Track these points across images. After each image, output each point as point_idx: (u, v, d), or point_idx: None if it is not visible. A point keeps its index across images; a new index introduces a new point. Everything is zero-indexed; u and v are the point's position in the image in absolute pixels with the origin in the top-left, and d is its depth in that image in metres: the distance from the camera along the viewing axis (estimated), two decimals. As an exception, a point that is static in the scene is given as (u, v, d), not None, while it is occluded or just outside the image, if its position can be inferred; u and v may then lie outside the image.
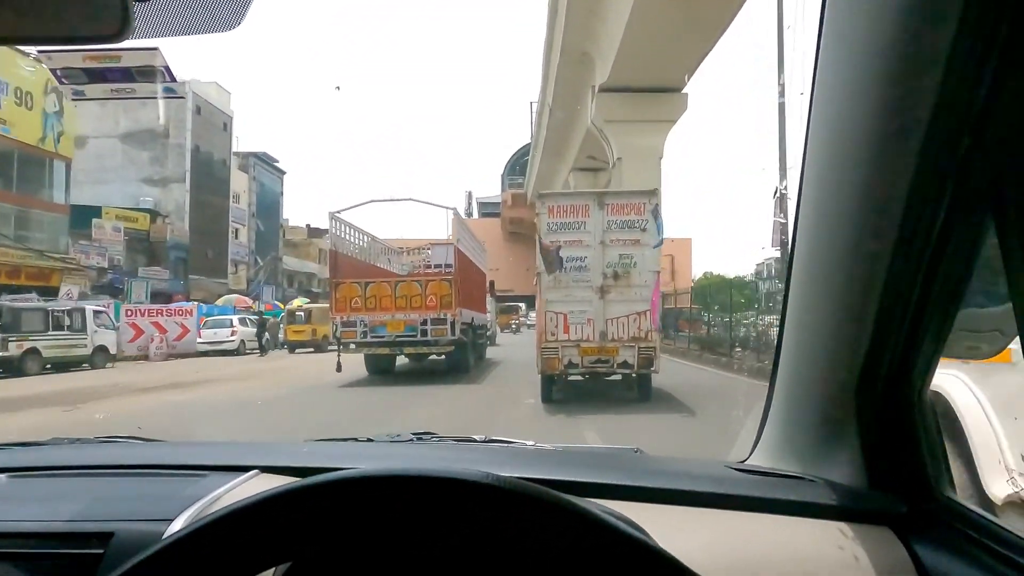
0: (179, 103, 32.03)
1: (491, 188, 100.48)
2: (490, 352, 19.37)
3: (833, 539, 0.67)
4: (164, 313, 21.46)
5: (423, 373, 13.26)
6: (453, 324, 12.17)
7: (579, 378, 8.23)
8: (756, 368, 10.65)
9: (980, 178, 0.54)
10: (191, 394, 11.16)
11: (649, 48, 23.06)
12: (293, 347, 22.20)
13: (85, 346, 17.20)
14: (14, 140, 21.95)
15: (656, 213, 8.07)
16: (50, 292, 20.71)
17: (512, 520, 0.44)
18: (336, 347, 12.25)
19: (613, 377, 8.23)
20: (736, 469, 0.89)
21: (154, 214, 31.91)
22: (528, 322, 44.91)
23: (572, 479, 0.77)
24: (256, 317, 21.62)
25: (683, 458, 1.16)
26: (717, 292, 18.37)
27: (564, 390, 8.23)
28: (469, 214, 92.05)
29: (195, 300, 25.42)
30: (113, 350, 18.08)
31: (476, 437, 1.24)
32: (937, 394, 2.81)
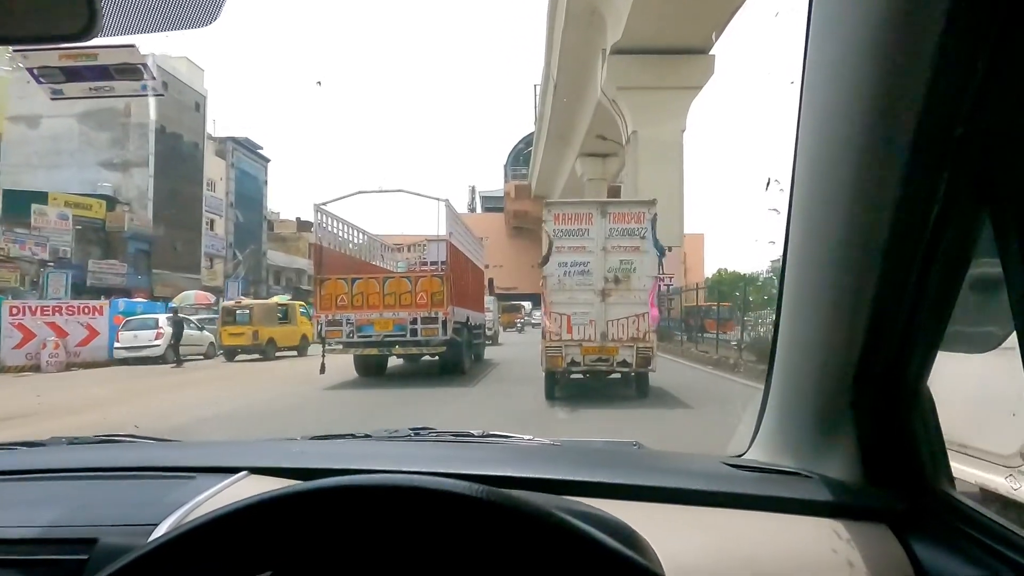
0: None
1: (494, 182, 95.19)
2: (491, 352, 19.52)
3: (830, 537, 0.69)
4: (66, 311, 18.06)
5: (413, 376, 13.48)
6: (445, 323, 12.09)
7: (580, 376, 9.01)
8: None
9: (974, 170, 0.56)
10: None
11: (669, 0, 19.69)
12: (232, 353, 19.36)
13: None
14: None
15: (655, 222, 8.92)
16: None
17: (501, 533, 0.47)
18: (322, 347, 12.39)
19: (613, 376, 8.99)
20: (733, 465, 0.90)
21: (111, 201, 28.16)
22: (533, 321, 44.99)
23: (569, 478, 0.80)
24: (171, 315, 18.13)
25: (681, 453, 1.21)
26: (731, 289, 18.48)
27: (567, 387, 8.98)
28: (472, 209, 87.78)
29: (160, 297, 21.24)
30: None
31: (474, 432, 1.25)
32: None
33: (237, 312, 19.37)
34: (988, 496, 2.14)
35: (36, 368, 16.50)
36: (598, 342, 8.74)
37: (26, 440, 1.18)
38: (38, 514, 0.78)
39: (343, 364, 12.41)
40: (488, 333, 24.37)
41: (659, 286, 9.73)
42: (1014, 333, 0.58)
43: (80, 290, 25.48)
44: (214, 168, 39.01)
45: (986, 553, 0.60)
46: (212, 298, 23.95)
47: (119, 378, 14.12)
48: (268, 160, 46.17)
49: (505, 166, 68.63)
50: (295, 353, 20.16)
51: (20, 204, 24.56)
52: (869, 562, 0.66)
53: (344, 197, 13.44)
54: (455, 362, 12.60)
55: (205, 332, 19.75)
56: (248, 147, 43.53)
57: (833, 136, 0.67)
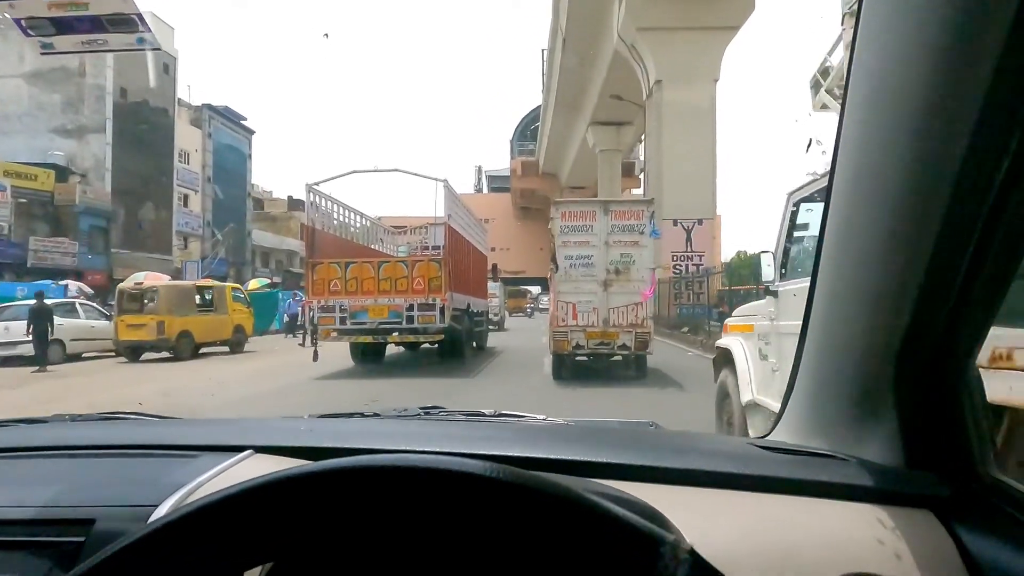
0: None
1: (501, 160, 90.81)
2: (495, 339, 19.40)
3: (870, 523, 0.67)
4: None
5: (409, 366, 13.44)
6: (443, 310, 11.72)
7: (585, 359, 10.57)
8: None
9: None
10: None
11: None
12: (136, 351, 15.62)
13: None
14: None
15: (653, 218, 10.49)
16: None
17: (521, 515, 0.46)
18: (312, 333, 12.38)
19: (614, 358, 10.60)
20: (761, 447, 0.88)
21: (62, 171, 24.06)
22: (541, 306, 45.70)
23: (586, 459, 0.77)
24: (36, 300, 14.25)
25: (702, 434, 1.21)
26: (751, 273, 15.72)
27: (572, 369, 10.56)
28: (479, 189, 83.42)
29: (121, 280, 20.37)
30: None
31: (485, 411, 1.25)
32: (726, 350, 5.17)
33: (144, 297, 15.57)
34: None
35: None
36: (600, 327, 10.14)
37: (26, 417, 1.18)
38: (34, 494, 0.77)
39: (332, 353, 12.61)
40: (494, 319, 24.35)
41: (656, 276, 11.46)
42: None
43: (20, 272, 21.51)
44: (188, 138, 35.30)
45: None
46: (167, 279, 20.01)
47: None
48: (252, 132, 42.52)
49: (511, 141, 64.90)
50: (227, 349, 15.96)
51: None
52: (914, 550, 0.63)
53: (338, 177, 13.18)
54: (454, 351, 12.72)
55: (119, 322, 15.64)
56: (229, 117, 39.69)
57: (892, 85, 0.64)
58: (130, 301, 15.51)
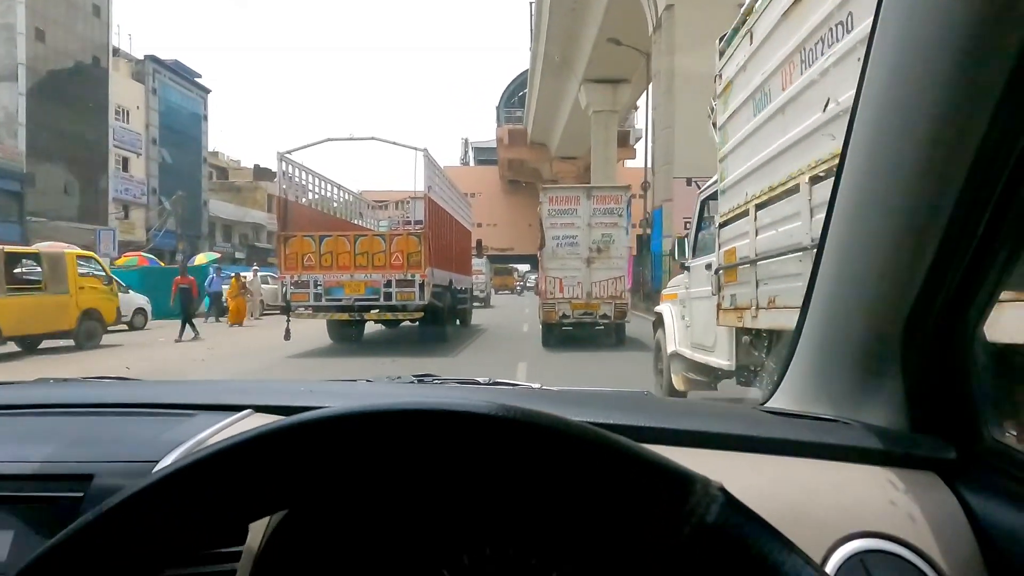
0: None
1: (488, 131, 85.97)
2: (480, 316, 20.10)
3: (877, 484, 0.70)
4: None
5: (390, 343, 13.45)
6: (423, 287, 11.70)
7: (570, 328, 12.67)
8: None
9: None
10: None
11: None
12: None
13: None
14: None
15: (629, 203, 12.46)
16: None
17: (535, 454, 0.45)
18: (285, 311, 12.22)
19: (597, 327, 12.66)
20: (765, 411, 0.93)
21: None
22: (529, 285, 46.12)
23: (594, 420, 0.74)
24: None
25: (703, 400, 1.39)
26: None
27: (559, 338, 12.66)
28: (466, 163, 78.88)
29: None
30: None
31: (479, 379, 1.29)
32: (659, 314, 7.02)
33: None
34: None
35: None
36: (584, 299, 12.07)
37: (6, 381, 1.20)
38: (31, 450, 0.78)
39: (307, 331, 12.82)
40: (480, 296, 25.10)
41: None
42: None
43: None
44: (128, 94, 31.02)
45: None
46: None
47: None
48: (207, 91, 38.04)
49: (497, 108, 61.32)
50: (71, 343, 11.57)
51: None
52: (922, 511, 0.67)
53: (311, 145, 12.82)
54: (435, 328, 12.84)
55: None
56: (178, 72, 35.06)
57: (915, 53, 0.64)
58: None
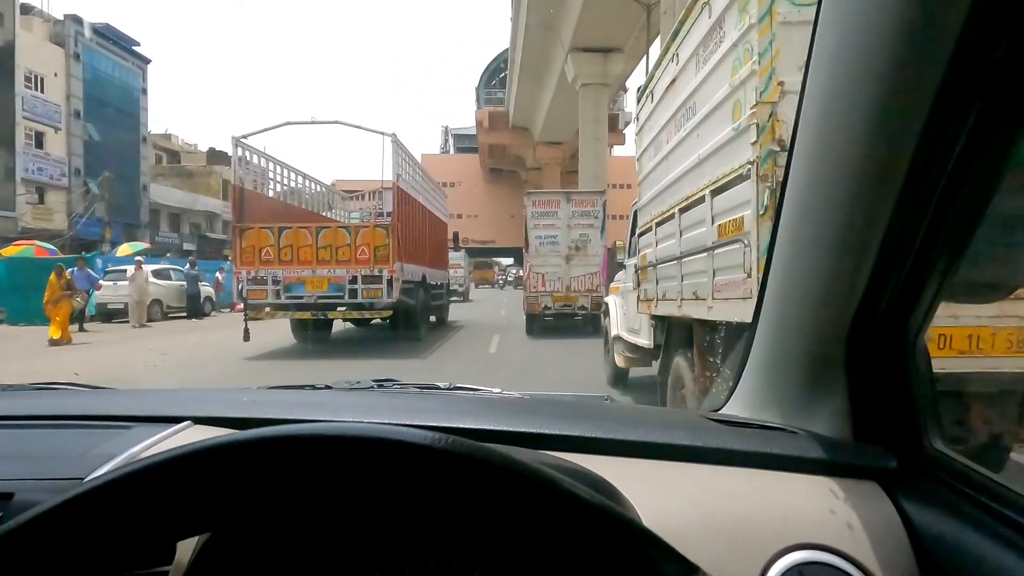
0: None
1: (469, 119, 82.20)
2: (459, 311, 19.91)
3: (818, 494, 0.73)
4: None
5: (357, 343, 13.14)
6: (391, 283, 11.12)
7: (551, 319, 15.07)
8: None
9: (1014, 93, 0.55)
10: None
11: None
12: None
13: None
14: None
15: (605, 206, 14.55)
16: None
17: (471, 487, 0.47)
18: (244, 309, 11.97)
19: (576, 318, 14.73)
20: (713, 420, 0.95)
21: None
22: (509, 278, 46.62)
23: (539, 431, 0.83)
24: None
25: (656, 408, 1.33)
26: None
27: (541, 328, 15.09)
28: (446, 151, 75.19)
29: None
30: None
31: (440, 384, 1.33)
32: (606, 303, 8.84)
33: None
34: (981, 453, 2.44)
35: None
36: (564, 292, 14.04)
37: None
38: None
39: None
40: (460, 290, 26.09)
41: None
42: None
43: None
44: (44, 58, 26.81)
45: (976, 508, 0.65)
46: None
47: None
48: (147, 61, 33.25)
49: (477, 89, 57.74)
50: None
51: None
52: (860, 520, 0.69)
53: (269, 129, 12.02)
54: (408, 327, 12.35)
55: None
56: (109, 37, 30.31)
57: (852, 51, 0.66)
58: None
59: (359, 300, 11.05)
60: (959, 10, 0.53)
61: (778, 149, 2.87)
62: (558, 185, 47.51)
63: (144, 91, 37.22)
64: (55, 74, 30.46)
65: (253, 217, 11.67)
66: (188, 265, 21.84)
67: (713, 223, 3.77)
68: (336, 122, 12.66)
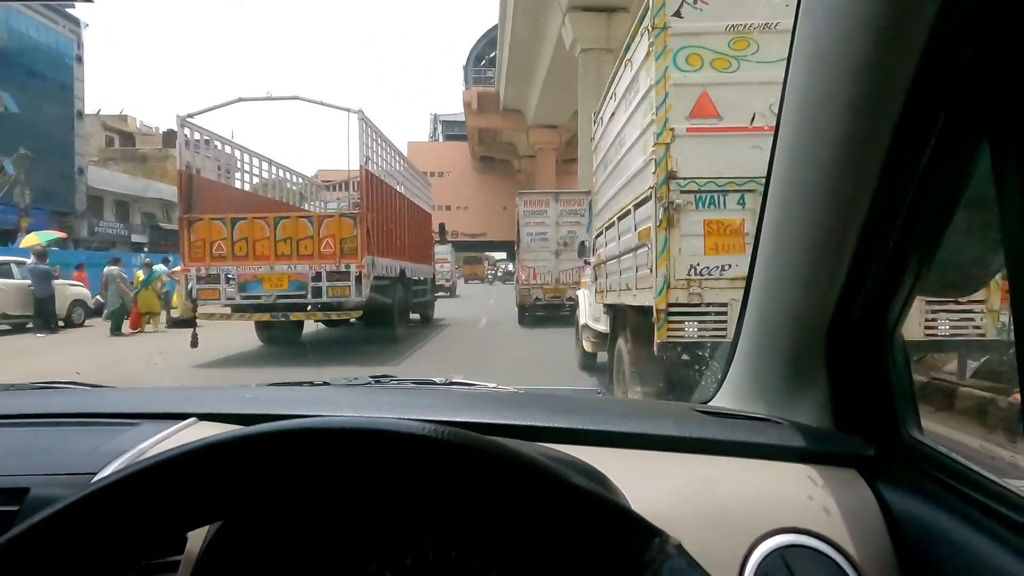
0: None
1: (457, 104, 77.47)
2: (445, 307, 19.14)
3: (801, 481, 0.78)
4: None
5: (325, 346, 12.10)
6: (360, 279, 10.01)
7: (541, 312, 16.72)
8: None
9: (979, 99, 0.59)
10: None
11: None
12: None
13: None
14: None
15: (591, 206, 14.61)
16: None
17: (467, 477, 0.50)
18: (193, 312, 11.10)
19: (564, 311, 15.96)
20: (701, 411, 1.03)
21: None
22: (500, 273, 46.66)
23: (535, 424, 0.88)
24: None
25: (647, 400, 1.73)
26: None
27: (532, 318, 17.06)
28: (435, 139, 70.32)
29: None
30: None
31: (436, 379, 1.40)
32: (577, 295, 10.98)
33: None
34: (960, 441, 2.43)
35: None
36: (553, 285, 15.61)
37: None
38: None
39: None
40: (446, 285, 26.03)
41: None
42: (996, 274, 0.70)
43: None
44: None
45: (952, 495, 0.70)
46: None
47: None
48: (83, 25, 29.05)
49: (465, 68, 54.03)
50: None
51: None
52: (842, 507, 0.75)
53: (219, 106, 10.80)
54: (382, 328, 11.44)
55: None
56: (33, -7, 25.51)
57: (827, 60, 0.71)
58: None
59: (324, 299, 10.03)
60: (926, 17, 0.55)
61: (670, 179, 4.13)
62: (553, 175, 48.43)
63: (79, 59, 32.93)
64: (-41, 33, 27.65)
65: (205, 207, 10.66)
66: (33, 257, 15.27)
67: (636, 230, 5.13)
68: (296, 97, 11.38)
